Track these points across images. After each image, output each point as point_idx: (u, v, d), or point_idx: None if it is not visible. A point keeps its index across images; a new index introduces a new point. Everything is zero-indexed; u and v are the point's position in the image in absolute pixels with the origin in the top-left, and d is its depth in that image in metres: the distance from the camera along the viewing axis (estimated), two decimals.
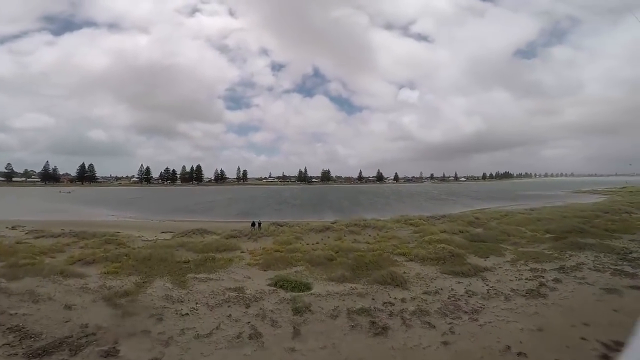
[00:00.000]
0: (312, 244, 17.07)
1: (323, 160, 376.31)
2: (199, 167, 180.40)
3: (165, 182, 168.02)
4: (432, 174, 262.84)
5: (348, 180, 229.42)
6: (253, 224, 19.69)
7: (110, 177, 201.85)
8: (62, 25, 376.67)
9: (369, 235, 19.82)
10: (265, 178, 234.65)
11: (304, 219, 30.32)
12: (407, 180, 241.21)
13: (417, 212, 35.02)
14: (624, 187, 70.07)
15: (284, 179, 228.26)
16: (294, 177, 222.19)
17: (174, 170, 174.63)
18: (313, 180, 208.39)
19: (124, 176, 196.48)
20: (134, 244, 17.71)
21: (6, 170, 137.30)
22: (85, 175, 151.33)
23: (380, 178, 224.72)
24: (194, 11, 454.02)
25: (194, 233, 20.89)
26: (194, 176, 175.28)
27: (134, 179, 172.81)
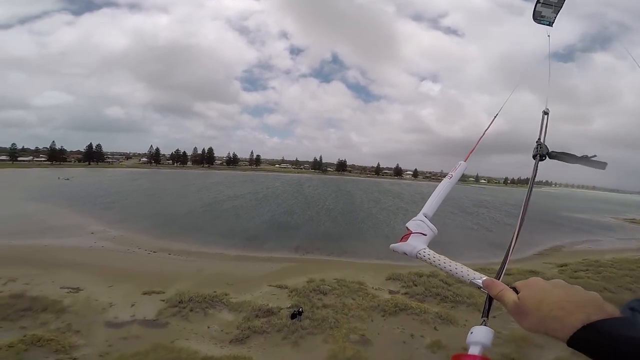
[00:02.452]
0: None
1: (336, 145, 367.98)
2: (210, 149, 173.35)
3: (176, 164, 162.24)
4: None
5: (364, 171, 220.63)
6: (294, 316, 12.09)
7: (120, 155, 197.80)
8: (82, 5, 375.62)
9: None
10: (278, 163, 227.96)
11: (346, 256, 22.78)
12: (426, 177, 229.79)
13: (480, 246, 27.74)
14: None
15: (297, 164, 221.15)
16: (307, 163, 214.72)
17: (184, 152, 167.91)
18: (328, 169, 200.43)
19: (137, 153, 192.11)
20: (92, 347, 10.28)
21: (10, 149, 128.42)
22: (93, 153, 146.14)
23: (398, 172, 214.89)
24: None
25: (191, 309, 13.24)
26: (205, 158, 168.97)
27: (144, 159, 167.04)
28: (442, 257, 0.87)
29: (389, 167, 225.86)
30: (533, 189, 1.02)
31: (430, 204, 1.00)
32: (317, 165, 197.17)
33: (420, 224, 0.97)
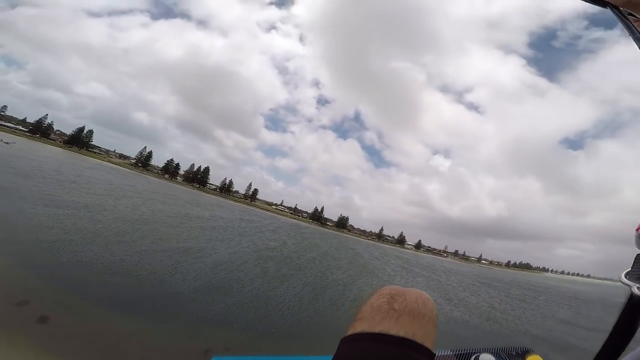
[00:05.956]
0: None
1: (337, 204, 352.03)
2: (207, 169, 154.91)
3: (165, 175, 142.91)
4: (456, 250, 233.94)
5: (365, 234, 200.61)
6: None
7: (117, 154, 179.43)
8: (162, 10, 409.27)
9: None
10: (276, 205, 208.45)
11: None
12: (428, 250, 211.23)
13: None
14: None
15: (295, 211, 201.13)
16: (306, 212, 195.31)
17: (177, 164, 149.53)
18: (327, 223, 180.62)
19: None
20: None
21: None
22: (80, 138, 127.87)
23: (401, 241, 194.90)
24: (271, 28, 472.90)
25: None
26: (198, 177, 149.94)
27: (132, 160, 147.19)
28: None
29: (388, 234, 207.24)
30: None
31: None
32: (317, 217, 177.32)
33: None
